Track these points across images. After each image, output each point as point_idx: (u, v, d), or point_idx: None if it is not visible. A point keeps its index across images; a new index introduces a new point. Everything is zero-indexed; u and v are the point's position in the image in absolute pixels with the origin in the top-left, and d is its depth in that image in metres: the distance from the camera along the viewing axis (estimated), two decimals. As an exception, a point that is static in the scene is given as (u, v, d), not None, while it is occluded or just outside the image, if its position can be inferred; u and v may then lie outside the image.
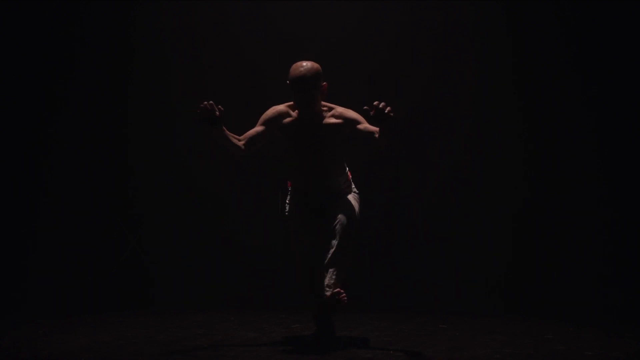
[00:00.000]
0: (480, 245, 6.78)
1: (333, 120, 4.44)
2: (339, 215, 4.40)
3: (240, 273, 6.81)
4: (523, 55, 6.84)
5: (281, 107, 4.52)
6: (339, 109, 4.47)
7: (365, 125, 4.36)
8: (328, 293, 4.25)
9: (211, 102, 4.12)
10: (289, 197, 4.64)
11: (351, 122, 4.41)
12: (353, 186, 4.67)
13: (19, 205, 6.85)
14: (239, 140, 4.35)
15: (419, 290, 6.57)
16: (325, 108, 4.47)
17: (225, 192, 7.05)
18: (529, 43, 6.82)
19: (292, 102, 4.48)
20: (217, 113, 4.11)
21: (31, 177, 6.92)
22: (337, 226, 4.37)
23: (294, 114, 4.47)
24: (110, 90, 7.12)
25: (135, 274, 6.97)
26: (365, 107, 4.01)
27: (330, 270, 4.30)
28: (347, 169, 4.64)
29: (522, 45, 6.83)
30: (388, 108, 3.96)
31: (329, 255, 4.32)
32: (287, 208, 4.62)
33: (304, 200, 4.55)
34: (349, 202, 4.53)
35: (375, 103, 3.97)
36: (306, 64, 4.37)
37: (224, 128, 4.22)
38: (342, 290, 4.26)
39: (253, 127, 4.47)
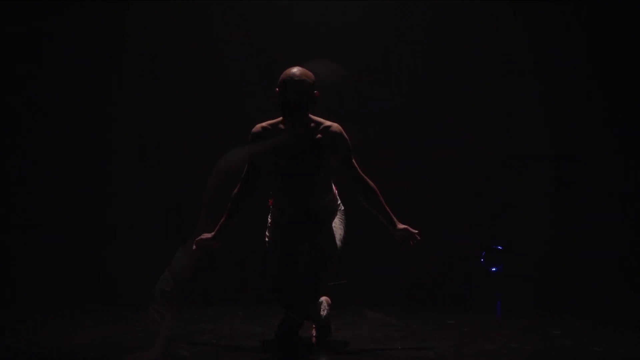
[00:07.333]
0: (487, 241, 6.76)
1: (322, 136, 4.07)
2: (321, 248, 4.09)
3: (247, 267, 6.80)
4: (544, 58, 6.80)
5: (259, 130, 4.11)
6: (332, 126, 4.09)
7: (349, 170, 4.07)
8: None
9: (202, 244, 4.16)
10: (269, 217, 4.34)
11: (337, 151, 4.08)
12: (339, 202, 4.34)
13: (11, 199, 6.85)
14: (242, 193, 4.16)
15: (427, 285, 6.56)
16: (313, 124, 4.08)
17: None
18: (549, 45, 6.78)
19: (273, 120, 4.12)
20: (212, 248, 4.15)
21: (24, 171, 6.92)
22: (317, 259, 4.07)
23: (279, 128, 4.08)
24: (93, 91, 7.05)
25: (140, 268, 6.95)
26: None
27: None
28: (333, 185, 4.31)
29: (544, 49, 6.78)
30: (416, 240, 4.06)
31: (306, 285, 4.09)
32: (267, 231, 4.33)
33: (285, 224, 4.21)
34: (332, 231, 4.19)
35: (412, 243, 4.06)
36: (298, 69, 3.99)
37: (221, 233, 4.17)
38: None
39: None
